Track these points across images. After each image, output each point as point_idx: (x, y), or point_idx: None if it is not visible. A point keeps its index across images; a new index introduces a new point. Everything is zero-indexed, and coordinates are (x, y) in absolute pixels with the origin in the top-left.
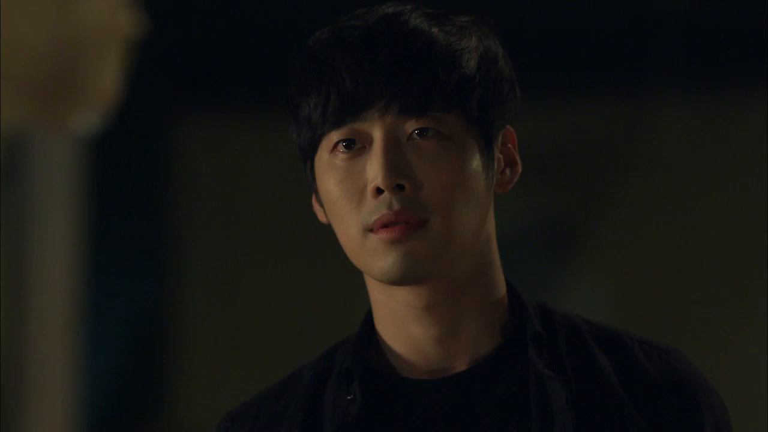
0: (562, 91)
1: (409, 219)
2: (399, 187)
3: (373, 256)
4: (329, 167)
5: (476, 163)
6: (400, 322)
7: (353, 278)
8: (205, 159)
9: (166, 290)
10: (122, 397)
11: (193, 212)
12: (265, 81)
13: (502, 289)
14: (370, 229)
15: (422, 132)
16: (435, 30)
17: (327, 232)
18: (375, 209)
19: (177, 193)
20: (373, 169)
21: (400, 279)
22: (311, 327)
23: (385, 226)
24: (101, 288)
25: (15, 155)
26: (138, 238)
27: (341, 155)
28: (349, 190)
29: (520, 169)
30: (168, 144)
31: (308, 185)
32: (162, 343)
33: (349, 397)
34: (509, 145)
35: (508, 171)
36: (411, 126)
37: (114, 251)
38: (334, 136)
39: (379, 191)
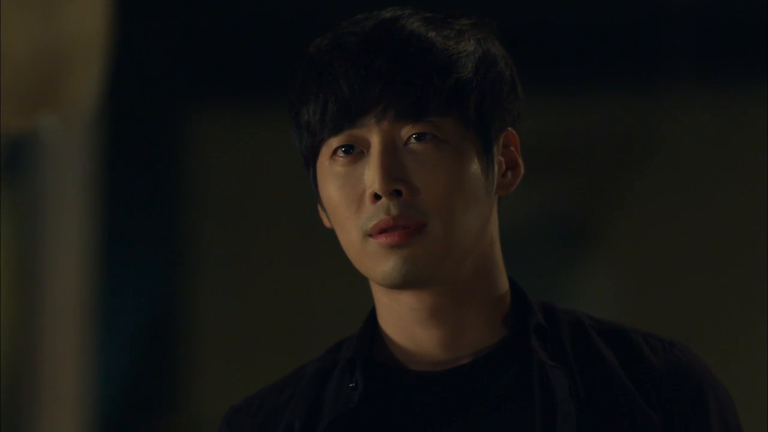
0: (574, 84)
1: (407, 224)
2: (396, 193)
3: (373, 260)
4: (329, 173)
5: (475, 166)
6: (404, 323)
7: (364, 276)
8: (218, 154)
9: (178, 285)
10: (134, 391)
11: (205, 207)
12: (277, 75)
13: (504, 286)
14: (369, 234)
15: (419, 137)
16: (432, 34)
17: None
18: (373, 215)
19: (189, 189)
20: (371, 175)
21: (402, 283)
22: (322, 322)
23: (383, 231)
24: (113, 283)
25: (26, 152)
26: (150, 234)
27: (340, 160)
28: (348, 196)
29: (522, 171)
30: (180, 139)
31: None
32: (174, 338)
33: (351, 385)
34: (511, 148)
35: (509, 173)
36: (408, 131)
37: (126, 247)
38: (333, 142)
39: (377, 197)
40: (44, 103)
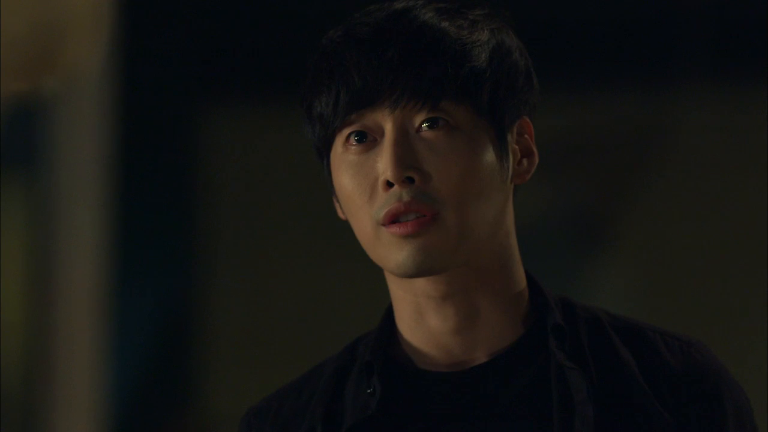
0: (589, 81)
1: (419, 210)
2: (409, 180)
3: (387, 249)
4: (342, 162)
5: (489, 154)
6: (419, 314)
7: (379, 273)
8: (233, 152)
9: (193, 283)
10: (149, 391)
11: (220, 206)
12: (293, 74)
13: (522, 281)
14: (382, 224)
15: (432, 124)
16: (445, 24)
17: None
18: (386, 202)
19: (204, 187)
20: (383, 163)
21: (416, 272)
22: (337, 321)
23: (395, 218)
24: (128, 282)
25: (41, 150)
26: (165, 232)
27: (353, 149)
28: (361, 184)
29: (537, 159)
30: (195, 137)
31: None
32: (188, 337)
33: (369, 391)
34: (525, 136)
35: (525, 162)
36: (420, 118)
37: (141, 245)
38: (346, 131)
39: (389, 184)
40: (42, 74)
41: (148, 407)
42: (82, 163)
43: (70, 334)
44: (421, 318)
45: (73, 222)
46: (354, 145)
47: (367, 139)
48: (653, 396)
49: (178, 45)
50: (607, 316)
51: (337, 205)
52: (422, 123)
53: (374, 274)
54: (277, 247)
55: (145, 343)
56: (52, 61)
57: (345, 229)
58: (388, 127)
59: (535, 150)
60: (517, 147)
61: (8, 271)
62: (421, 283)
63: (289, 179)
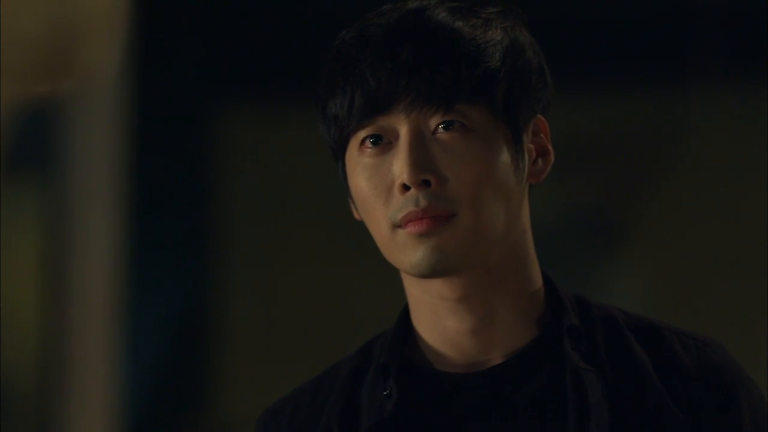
0: (604, 81)
1: (436, 215)
2: (425, 183)
3: (402, 250)
4: (358, 165)
5: (504, 155)
6: (435, 315)
7: (394, 273)
8: (248, 153)
9: (208, 285)
10: (163, 391)
11: (234, 207)
12: (306, 72)
13: (537, 280)
14: (398, 225)
15: (447, 126)
16: (459, 24)
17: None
18: (402, 206)
19: (219, 188)
20: (399, 166)
21: (430, 272)
22: (352, 322)
23: (412, 222)
24: (142, 283)
25: (55, 150)
26: (179, 233)
27: (369, 151)
28: (377, 187)
29: (552, 158)
30: (210, 139)
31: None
32: (204, 338)
33: (385, 393)
34: (541, 135)
35: (540, 161)
36: (435, 120)
37: (155, 245)
38: (361, 134)
39: (405, 187)
40: (58, 76)
41: (162, 409)
42: (96, 164)
43: (84, 336)
44: (438, 319)
45: (87, 223)
46: (369, 147)
47: (383, 142)
48: (668, 396)
49: (193, 46)
50: (622, 315)
51: (352, 205)
52: (438, 125)
53: (390, 274)
54: (292, 248)
55: (160, 345)
56: (68, 63)
57: (360, 228)
58: (404, 131)
59: (550, 148)
60: (532, 146)
61: (22, 272)
62: (437, 285)
63: (303, 179)
